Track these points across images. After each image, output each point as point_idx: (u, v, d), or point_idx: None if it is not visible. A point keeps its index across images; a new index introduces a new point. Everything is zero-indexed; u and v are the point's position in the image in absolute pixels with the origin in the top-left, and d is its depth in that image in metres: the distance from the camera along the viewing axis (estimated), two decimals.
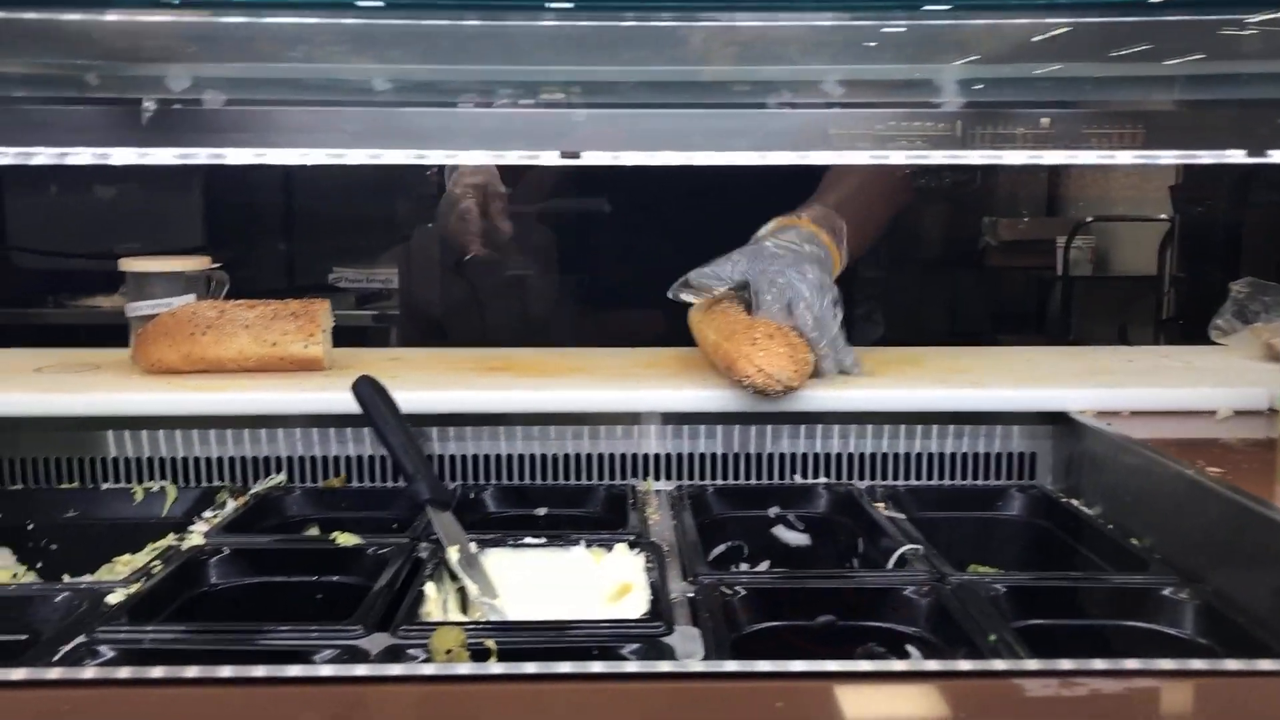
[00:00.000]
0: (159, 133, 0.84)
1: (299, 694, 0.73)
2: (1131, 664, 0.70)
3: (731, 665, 0.81)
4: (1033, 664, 0.74)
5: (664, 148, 0.83)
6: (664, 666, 0.82)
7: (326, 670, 0.81)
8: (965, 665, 0.78)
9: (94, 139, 0.82)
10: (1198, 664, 0.76)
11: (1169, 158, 0.87)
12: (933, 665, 0.77)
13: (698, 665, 0.83)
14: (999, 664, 0.78)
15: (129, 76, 0.88)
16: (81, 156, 0.82)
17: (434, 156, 0.84)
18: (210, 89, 0.84)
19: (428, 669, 0.82)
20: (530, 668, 0.76)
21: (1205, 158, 0.84)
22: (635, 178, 1.61)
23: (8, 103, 0.83)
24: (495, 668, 0.81)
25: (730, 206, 1.85)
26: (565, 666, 0.76)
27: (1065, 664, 0.74)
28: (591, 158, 0.83)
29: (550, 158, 0.83)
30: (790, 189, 1.85)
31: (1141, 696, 0.68)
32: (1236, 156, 0.83)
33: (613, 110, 0.84)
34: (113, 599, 0.98)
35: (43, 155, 0.81)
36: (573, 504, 1.33)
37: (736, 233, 1.63)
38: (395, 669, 0.81)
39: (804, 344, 1.35)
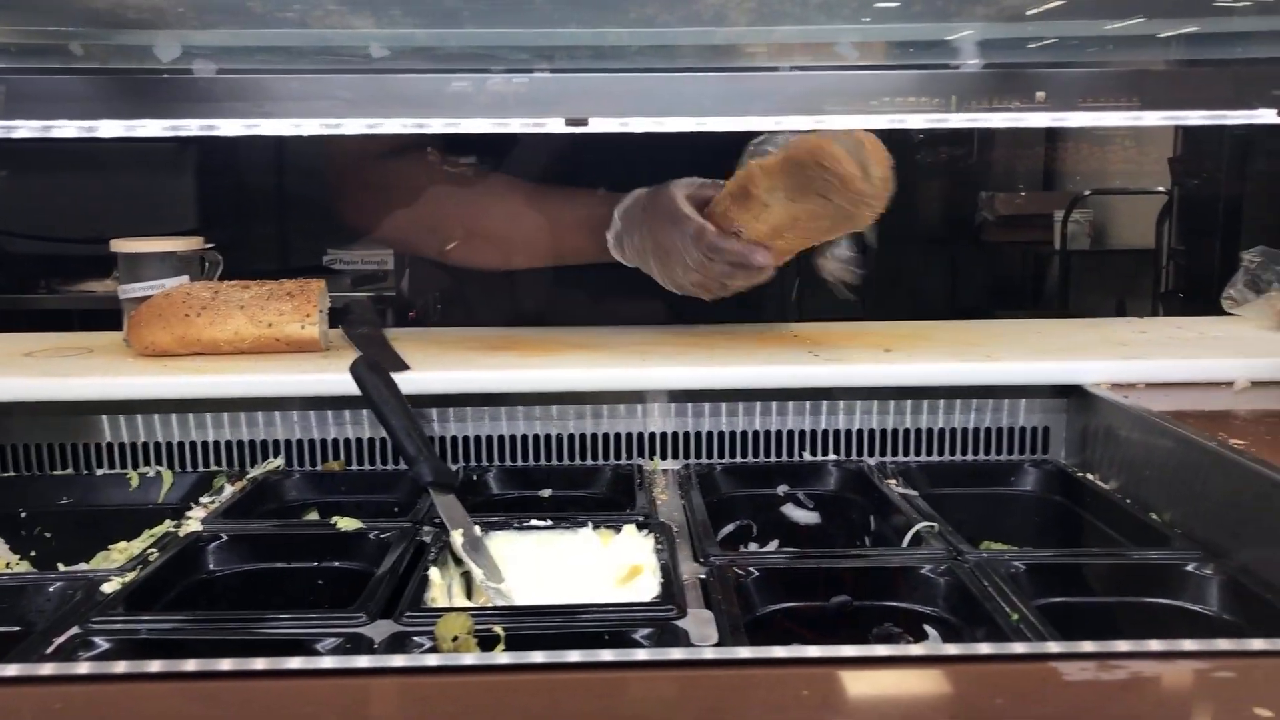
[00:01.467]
0: (148, 103, 0.80)
1: (300, 687, 0.70)
2: (1186, 645, 0.68)
3: (745, 651, 0.79)
4: (1067, 647, 0.72)
5: (674, 113, 0.80)
6: (676, 654, 0.79)
7: (328, 662, 0.78)
8: (995, 649, 0.75)
9: (80, 110, 0.79)
10: (1232, 644, 0.73)
11: (1197, 118, 0.84)
12: (962, 649, 0.74)
13: (711, 652, 0.80)
14: (1031, 647, 0.75)
15: (115, 45, 0.84)
16: (67, 129, 0.78)
17: (434, 125, 0.81)
18: (200, 58, 0.81)
19: (432, 660, 0.79)
20: (538, 657, 0.73)
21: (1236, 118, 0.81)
22: (633, 153, 1.58)
23: None
24: (504, 658, 0.78)
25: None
26: (575, 655, 0.74)
27: (1093, 646, 0.72)
28: (599, 124, 0.80)
29: (555, 125, 0.80)
30: None
31: (1188, 679, 0.65)
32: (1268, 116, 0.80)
33: (620, 74, 0.81)
34: (108, 588, 0.95)
35: (25, 128, 0.77)
36: (578, 485, 1.30)
37: None
38: (398, 660, 0.79)
39: None
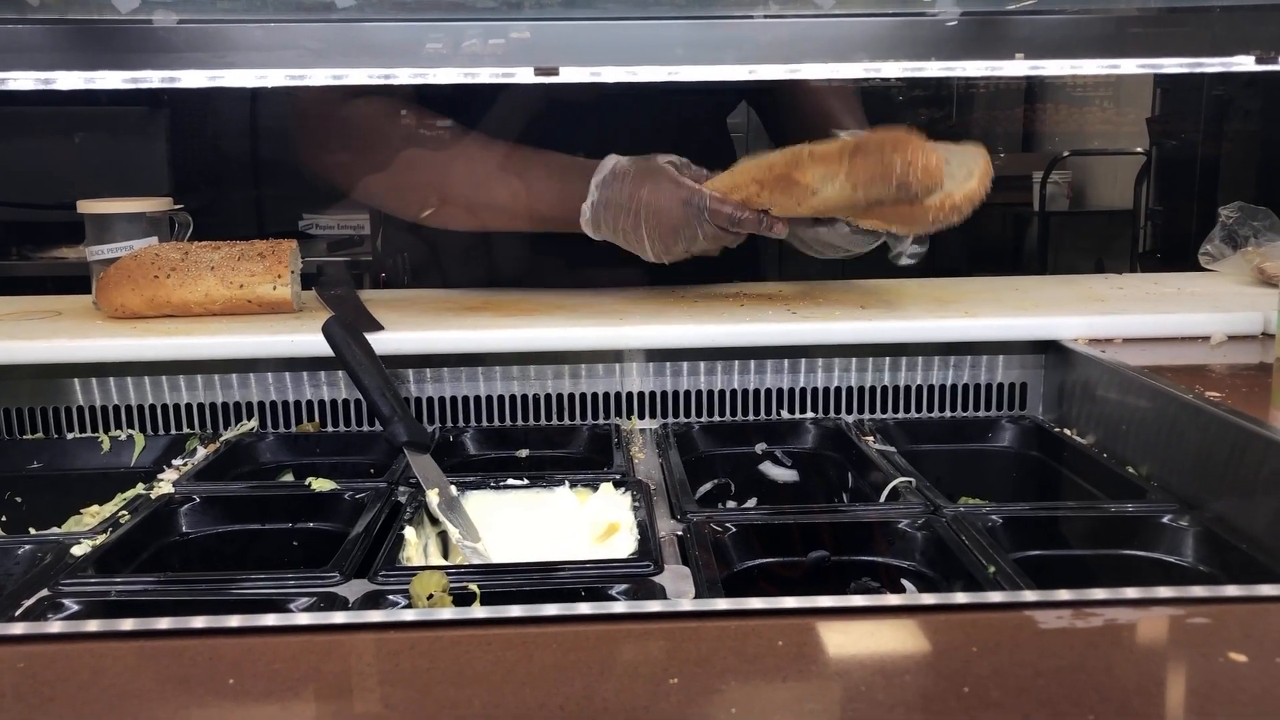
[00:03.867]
0: (107, 54, 0.78)
1: (276, 644, 0.69)
2: (1161, 592, 0.68)
3: (723, 603, 0.78)
4: (1043, 595, 0.72)
5: (645, 62, 0.78)
6: (653, 606, 0.79)
7: (304, 619, 0.78)
8: (970, 598, 0.75)
9: (36, 62, 0.77)
10: (1207, 591, 0.73)
11: (1174, 65, 0.83)
12: (938, 599, 0.74)
13: (688, 604, 0.80)
14: (1008, 596, 0.75)
15: None
16: (23, 81, 0.76)
17: (401, 75, 0.79)
18: (161, 7, 0.79)
19: (409, 615, 0.78)
20: (515, 610, 0.73)
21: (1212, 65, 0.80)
22: (608, 113, 1.55)
23: None
24: (479, 611, 0.78)
25: (713, 143, 1.80)
26: (551, 609, 0.73)
27: (1068, 594, 0.72)
28: (570, 74, 0.78)
29: (525, 75, 0.78)
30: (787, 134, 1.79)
31: (1164, 625, 0.65)
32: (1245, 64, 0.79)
33: (590, 22, 0.79)
34: (78, 550, 0.94)
35: None
36: (555, 445, 1.30)
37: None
38: (375, 615, 0.78)
39: None
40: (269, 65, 0.78)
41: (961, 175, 1.22)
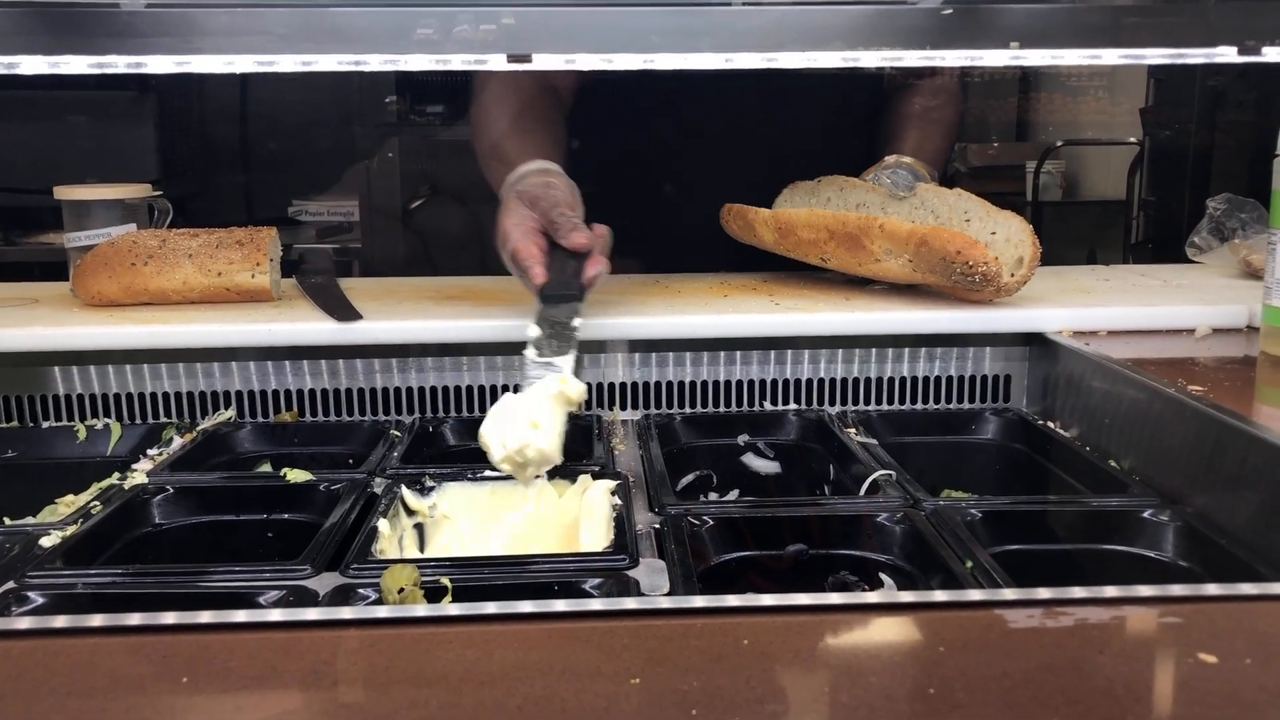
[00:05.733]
0: (72, 39, 0.77)
1: (234, 641, 0.68)
2: (1137, 591, 0.67)
3: (696, 601, 0.77)
4: (1011, 593, 0.71)
5: (621, 49, 0.77)
6: (629, 604, 0.78)
7: (269, 615, 0.77)
8: (941, 596, 0.74)
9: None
10: (1181, 590, 0.73)
11: (1156, 56, 0.82)
12: (908, 597, 0.73)
13: (666, 601, 0.79)
14: (983, 594, 0.75)
15: None
16: None
17: (373, 62, 0.77)
18: None
19: (382, 611, 0.77)
20: (490, 608, 0.72)
21: (1195, 56, 0.79)
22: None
23: None
24: (449, 608, 0.77)
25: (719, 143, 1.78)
26: (525, 606, 0.72)
27: (1043, 593, 0.71)
28: (543, 61, 0.77)
29: (499, 62, 0.77)
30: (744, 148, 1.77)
31: (1133, 625, 0.64)
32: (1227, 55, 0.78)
33: (562, 9, 0.78)
34: (46, 542, 0.93)
35: None
36: None
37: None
38: (347, 612, 0.77)
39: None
40: (237, 51, 0.76)
41: (1004, 245, 1.32)
